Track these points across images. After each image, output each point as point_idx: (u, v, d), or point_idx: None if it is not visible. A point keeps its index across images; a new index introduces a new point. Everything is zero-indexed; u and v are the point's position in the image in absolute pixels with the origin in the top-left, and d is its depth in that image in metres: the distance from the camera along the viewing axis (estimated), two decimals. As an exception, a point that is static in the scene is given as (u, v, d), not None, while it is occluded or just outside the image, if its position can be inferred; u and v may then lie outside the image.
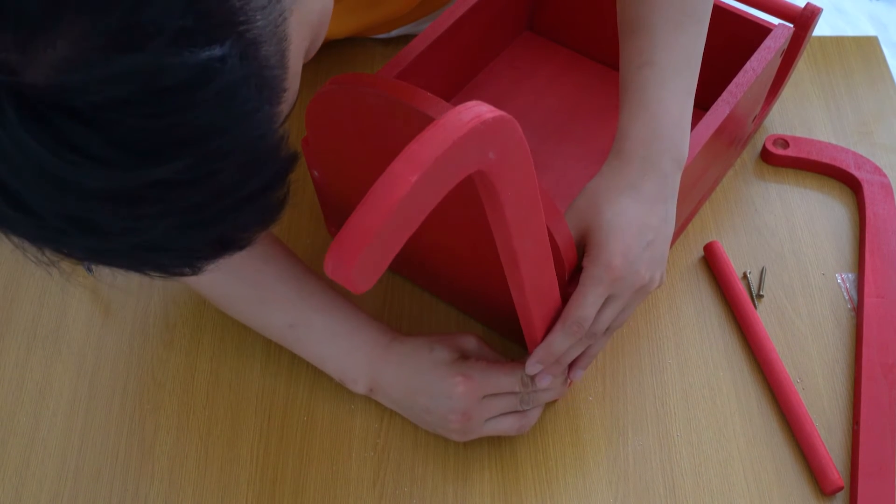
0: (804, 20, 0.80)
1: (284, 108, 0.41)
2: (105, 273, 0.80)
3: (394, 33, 0.95)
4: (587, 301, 0.59)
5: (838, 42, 0.97)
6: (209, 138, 0.35)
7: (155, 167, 0.34)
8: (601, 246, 0.59)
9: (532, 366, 0.63)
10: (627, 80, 0.64)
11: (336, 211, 0.78)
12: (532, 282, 0.56)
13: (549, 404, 0.72)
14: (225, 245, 0.42)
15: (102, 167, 0.33)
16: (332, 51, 0.93)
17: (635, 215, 0.60)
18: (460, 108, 0.43)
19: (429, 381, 0.66)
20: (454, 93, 0.88)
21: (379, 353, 0.69)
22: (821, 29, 0.88)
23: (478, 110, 0.43)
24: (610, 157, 0.63)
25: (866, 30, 1.80)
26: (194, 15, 0.33)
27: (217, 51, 0.34)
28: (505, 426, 0.67)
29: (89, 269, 0.79)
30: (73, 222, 0.36)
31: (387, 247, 0.41)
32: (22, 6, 0.31)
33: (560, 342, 0.61)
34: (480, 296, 0.72)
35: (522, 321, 0.61)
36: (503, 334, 0.75)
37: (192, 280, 0.71)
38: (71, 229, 0.36)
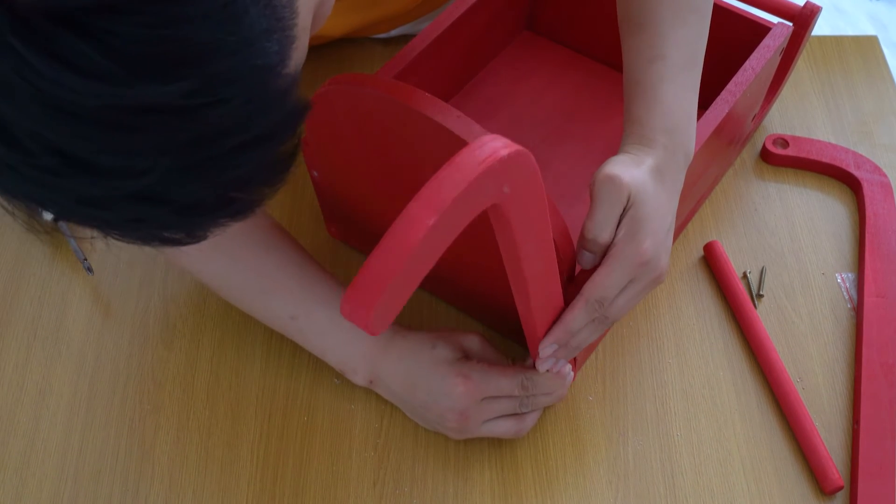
0: (803, 19, 0.80)
1: (294, 58, 0.38)
2: (105, 273, 0.80)
3: (393, 33, 0.95)
4: (613, 281, 0.58)
5: (838, 42, 0.97)
6: (213, 58, 0.33)
7: (153, 85, 0.32)
8: (639, 223, 0.58)
9: (547, 347, 0.61)
10: (638, 72, 0.63)
11: (336, 211, 0.78)
12: (538, 296, 0.56)
13: (549, 406, 0.72)
14: (228, 203, 0.39)
15: (97, 82, 0.31)
16: (331, 50, 0.93)
17: (663, 201, 0.59)
18: (475, 144, 0.43)
19: (428, 378, 0.65)
20: (454, 92, 0.88)
21: (381, 346, 0.68)
22: (821, 29, 0.88)
23: (493, 146, 0.43)
24: (627, 142, 0.62)
25: (866, 30, 1.80)
26: None
27: None
28: (502, 429, 0.66)
29: (90, 270, 0.79)
30: (66, 159, 0.33)
31: (403, 290, 0.41)
32: None
33: (580, 319, 0.60)
34: (482, 297, 0.72)
35: (525, 328, 0.61)
36: (505, 334, 0.75)
37: (194, 268, 0.71)
38: (62, 168, 0.34)
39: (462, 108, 0.86)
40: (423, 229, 0.40)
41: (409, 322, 0.76)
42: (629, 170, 0.58)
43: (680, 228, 0.81)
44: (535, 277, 0.53)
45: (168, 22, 0.32)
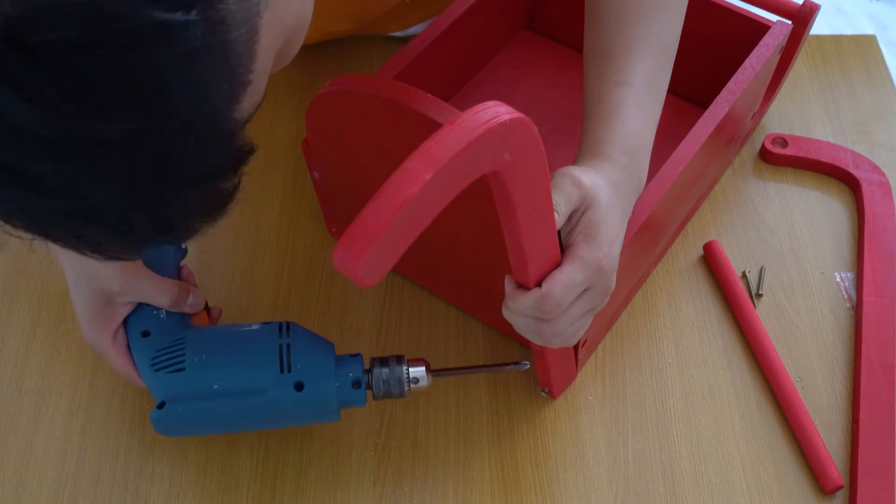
0: (802, 17, 0.80)
1: (247, 102, 0.40)
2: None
3: (411, 30, 0.94)
4: (575, 280, 0.55)
5: (837, 41, 0.97)
6: (161, 101, 0.35)
7: (100, 121, 0.33)
8: (597, 228, 0.56)
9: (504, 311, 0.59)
10: (602, 94, 0.63)
11: (336, 211, 0.78)
12: (537, 274, 0.55)
13: (549, 405, 0.72)
14: (166, 229, 0.40)
15: (46, 111, 0.33)
16: (331, 50, 0.93)
17: (617, 217, 0.58)
18: (478, 107, 0.43)
19: None
20: (453, 92, 0.88)
21: None
22: (820, 29, 0.88)
23: (496, 110, 0.43)
24: (584, 156, 0.61)
25: (866, 30, 1.80)
26: None
27: (180, 16, 0.33)
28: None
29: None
30: (13, 174, 0.35)
31: (396, 243, 0.41)
32: None
33: (525, 306, 0.56)
34: (483, 292, 0.72)
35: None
36: (505, 333, 0.75)
37: None
38: (7, 180, 0.35)
39: (462, 108, 0.85)
40: (418, 183, 0.40)
41: (409, 326, 0.76)
42: (587, 174, 0.57)
43: (679, 228, 0.81)
44: (534, 253, 0.53)
45: (122, 65, 0.33)
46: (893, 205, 0.82)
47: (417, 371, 0.64)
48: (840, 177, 0.86)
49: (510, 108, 0.43)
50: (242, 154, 0.41)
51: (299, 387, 0.61)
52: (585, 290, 0.57)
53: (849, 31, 1.76)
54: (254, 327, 0.65)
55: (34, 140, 0.33)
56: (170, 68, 0.34)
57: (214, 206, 0.41)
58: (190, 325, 0.67)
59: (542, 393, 0.72)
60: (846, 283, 0.79)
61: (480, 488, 0.68)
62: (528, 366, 0.68)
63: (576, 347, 0.69)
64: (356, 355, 0.64)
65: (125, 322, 0.66)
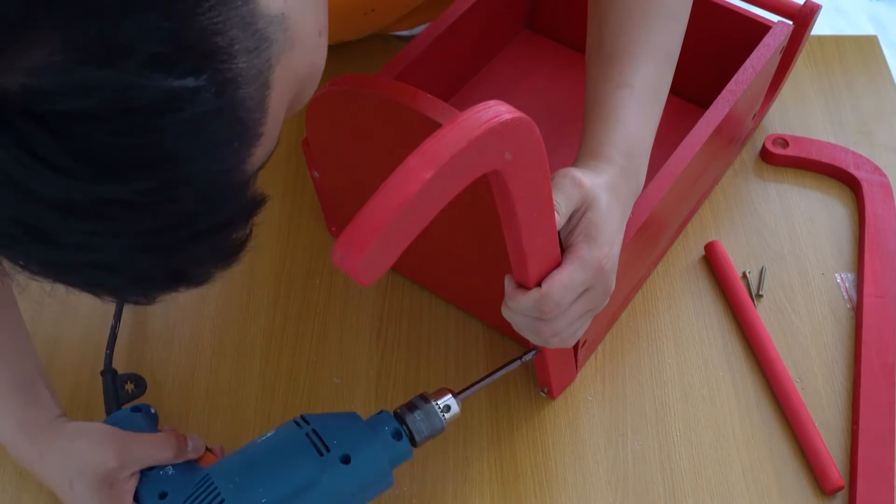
0: (803, 17, 0.80)
1: (259, 152, 0.40)
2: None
3: (416, 30, 0.94)
4: (575, 281, 0.56)
5: (838, 41, 0.97)
6: (172, 164, 0.35)
7: (113, 184, 0.34)
8: (597, 228, 0.56)
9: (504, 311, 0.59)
10: (603, 95, 0.63)
11: (336, 211, 0.78)
12: (536, 274, 0.55)
13: (549, 405, 0.72)
14: (180, 278, 0.41)
15: (61, 177, 0.34)
16: (331, 51, 0.93)
17: (616, 218, 0.58)
18: (480, 106, 0.43)
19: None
20: (453, 92, 0.88)
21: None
22: (821, 29, 0.88)
23: (497, 110, 0.43)
24: (584, 157, 0.61)
25: (866, 30, 1.80)
26: (173, 44, 0.33)
27: (191, 81, 0.34)
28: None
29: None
30: (27, 229, 0.36)
31: (396, 241, 0.41)
32: (2, 12, 0.31)
33: (526, 306, 0.56)
34: (483, 292, 0.72)
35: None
36: (505, 333, 0.75)
37: None
38: (23, 236, 0.36)
39: (463, 107, 0.85)
40: (419, 182, 0.40)
41: (409, 327, 0.76)
42: (588, 176, 0.57)
43: (679, 228, 0.81)
44: (535, 253, 0.53)
45: (135, 132, 0.34)
46: (894, 205, 0.82)
47: (446, 400, 0.62)
48: (841, 177, 0.86)
49: (511, 108, 0.43)
50: (253, 205, 0.41)
51: (346, 459, 0.58)
52: (585, 290, 0.57)
53: (849, 32, 1.76)
54: (269, 434, 0.61)
55: (48, 201, 0.34)
56: (180, 133, 0.35)
57: (227, 254, 0.42)
58: (201, 468, 0.63)
59: (542, 393, 0.72)
60: (846, 284, 0.79)
61: (480, 488, 0.68)
62: (537, 350, 0.66)
63: (575, 347, 0.69)
64: (380, 413, 0.62)
65: (136, 497, 0.61)
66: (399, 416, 0.61)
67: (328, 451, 0.58)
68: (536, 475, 0.69)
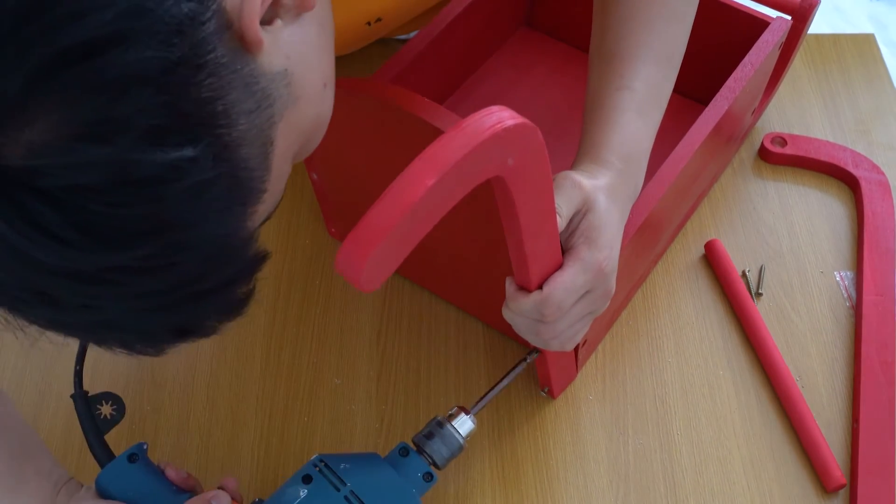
0: (802, 12, 0.80)
1: (262, 208, 0.41)
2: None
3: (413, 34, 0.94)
4: (577, 283, 0.56)
5: (836, 40, 0.97)
6: (172, 231, 0.36)
7: (115, 253, 0.35)
8: (597, 231, 0.56)
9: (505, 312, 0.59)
10: (603, 97, 0.63)
11: (335, 212, 0.78)
12: (540, 281, 0.55)
13: (549, 404, 0.72)
14: (185, 333, 0.42)
15: (63, 248, 0.34)
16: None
17: (614, 221, 0.58)
18: (483, 112, 0.43)
19: None
20: (452, 90, 0.88)
21: None
22: (819, 28, 0.88)
23: (500, 115, 0.43)
24: (582, 159, 0.61)
25: (865, 29, 1.80)
26: (169, 115, 0.34)
27: (188, 151, 0.34)
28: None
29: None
30: (32, 294, 0.37)
31: (399, 248, 0.41)
32: (2, 90, 0.32)
33: (527, 309, 0.56)
34: (483, 292, 0.72)
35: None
36: (505, 333, 0.75)
37: None
38: (30, 299, 0.37)
39: (460, 106, 0.86)
40: (422, 188, 0.40)
41: (409, 327, 0.76)
42: (587, 178, 0.58)
43: (678, 227, 0.81)
44: (536, 255, 0.53)
45: (132, 202, 0.34)
46: (893, 204, 0.82)
47: (461, 421, 0.62)
48: (839, 176, 0.86)
49: (514, 114, 0.43)
50: (256, 262, 0.41)
51: None
52: (586, 293, 0.58)
53: (848, 31, 1.76)
54: (300, 493, 0.57)
55: (51, 269, 0.35)
56: (180, 201, 0.35)
57: (231, 309, 0.43)
58: None
59: (542, 392, 0.72)
60: (846, 282, 0.79)
61: (482, 488, 0.68)
62: (538, 351, 0.66)
63: (576, 347, 0.69)
64: (404, 451, 0.61)
65: None
66: (419, 446, 0.61)
67: None
68: (538, 474, 0.69)
